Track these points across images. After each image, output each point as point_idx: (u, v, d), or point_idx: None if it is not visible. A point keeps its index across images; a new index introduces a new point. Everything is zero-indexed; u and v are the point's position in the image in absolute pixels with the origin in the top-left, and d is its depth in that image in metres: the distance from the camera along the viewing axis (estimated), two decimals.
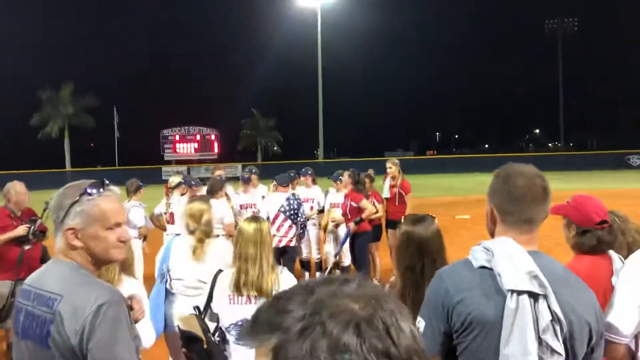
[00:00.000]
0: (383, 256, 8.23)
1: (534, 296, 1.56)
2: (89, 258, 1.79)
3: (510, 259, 1.61)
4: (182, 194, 7.41)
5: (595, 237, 2.56)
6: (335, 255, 7.75)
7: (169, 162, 48.95)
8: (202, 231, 3.67)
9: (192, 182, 7.51)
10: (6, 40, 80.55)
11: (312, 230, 8.21)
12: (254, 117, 56.70)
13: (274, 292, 2.96)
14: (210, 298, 3.12)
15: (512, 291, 1.56)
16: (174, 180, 7.50)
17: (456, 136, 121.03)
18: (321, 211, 8.16)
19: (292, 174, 8.26)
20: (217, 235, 6.33)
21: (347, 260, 7.79)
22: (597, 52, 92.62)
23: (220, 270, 3.21)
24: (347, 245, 7.52)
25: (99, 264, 1.85)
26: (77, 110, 48.60)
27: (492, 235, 1.82)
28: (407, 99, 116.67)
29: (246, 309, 3.00)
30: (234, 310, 3.04)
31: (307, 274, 8.20)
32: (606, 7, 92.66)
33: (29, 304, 1.75)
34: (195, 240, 3.68)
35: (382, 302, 0.72)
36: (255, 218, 3.28)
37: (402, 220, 2.90)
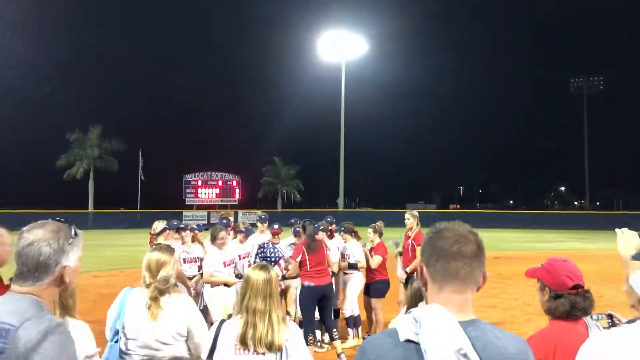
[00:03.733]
0: (387, 311, 7.85)
1: None
2: (56, 291, 1.85)
3: (439, 332, 1.44)
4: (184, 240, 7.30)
5: (569, 302, 2.43)
6: None
7: (190, 207, 49.37)
8: (156, 288, 3.16)
9: (194, 227, 7.31)
10: (38, 82, 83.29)
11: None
12: (275, 164, 57.28)
13: (285, 346, 2.85)
14: (213, 348, 2.95)
15: None
16: (158, 226, 7.09)
17: (480, 191, 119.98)
18: None
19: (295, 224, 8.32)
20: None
21: (347, 311, 7.71)
22: (623, 110, 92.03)
23: (223, 320, 3.04)
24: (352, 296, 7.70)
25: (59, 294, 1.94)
26: (103, 153, 49.76)
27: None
28: (431, 151, 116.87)
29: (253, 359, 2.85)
30: None
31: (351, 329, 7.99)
32: (632, 65, 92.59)
33: None
34: (148, 296, 3.17)
35: None
36: (263, 267, 3.09)
37: (415, 277, 2.88)
